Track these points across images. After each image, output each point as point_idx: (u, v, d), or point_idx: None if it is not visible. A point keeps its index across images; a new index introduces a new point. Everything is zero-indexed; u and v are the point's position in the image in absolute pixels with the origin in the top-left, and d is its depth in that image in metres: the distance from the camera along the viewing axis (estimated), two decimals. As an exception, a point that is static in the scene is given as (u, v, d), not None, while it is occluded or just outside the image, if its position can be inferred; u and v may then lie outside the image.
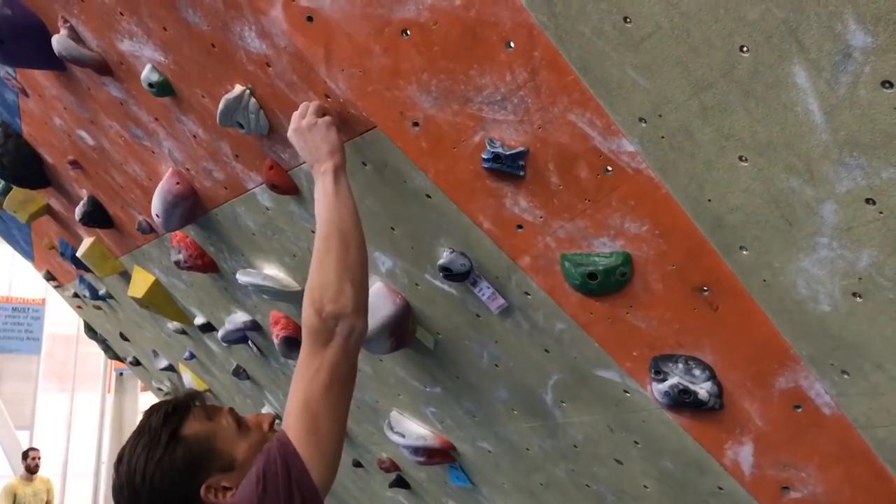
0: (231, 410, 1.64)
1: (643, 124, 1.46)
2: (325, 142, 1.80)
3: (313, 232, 2.41)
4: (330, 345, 1.61)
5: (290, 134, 1.85)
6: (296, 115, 1.85)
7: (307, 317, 1.64)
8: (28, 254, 5.49)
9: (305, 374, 1.59)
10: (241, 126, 2.13)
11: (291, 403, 1.56)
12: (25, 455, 9.60)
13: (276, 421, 1.71)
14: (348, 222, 1.73)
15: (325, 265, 1.67)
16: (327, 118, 1.81)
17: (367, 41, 1.68)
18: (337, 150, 1.80)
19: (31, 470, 9.44)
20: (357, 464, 3.80)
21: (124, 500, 1.50)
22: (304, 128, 1.82)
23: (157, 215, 2.83)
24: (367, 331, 1.72)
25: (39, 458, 9.57)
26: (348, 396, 1.64)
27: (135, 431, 1.56)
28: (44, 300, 14.91)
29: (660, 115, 1.43)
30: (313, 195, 2.23)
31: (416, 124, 1.75)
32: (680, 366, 1.77)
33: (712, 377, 1.74)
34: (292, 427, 1.52)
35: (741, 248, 1.52)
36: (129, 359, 5.99)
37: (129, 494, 1.49)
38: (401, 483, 3.53)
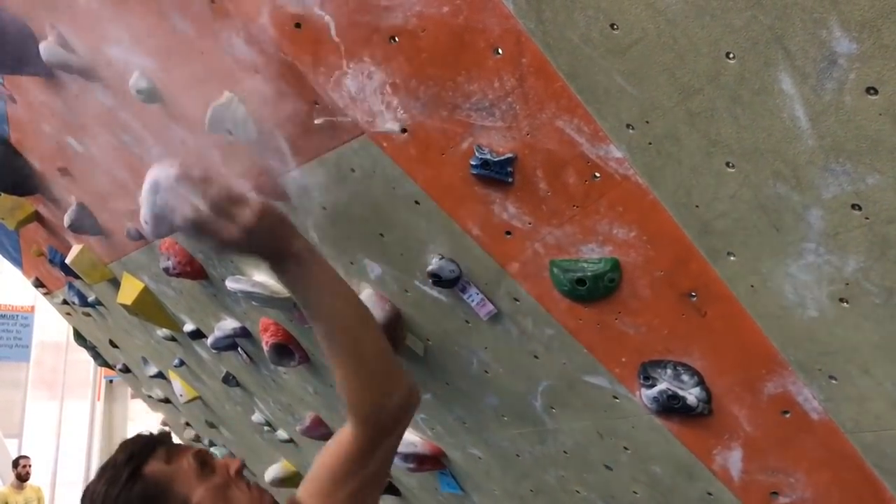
0: (198, 452, 1.60)
1: (631, 130, 1.46)
2: (271, 225, 1.48)
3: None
4: (399, 427, 1.61)
5: (232, 241, 1.46)
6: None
7: (368, 409, 1.58)
8: (17, 261, 5.46)
9: (360, 463, 1.58)
10: (230, 133, 2.13)
11: (335, 485, 1.57)
12: (16, 463, 9.59)
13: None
14: (353, 305, 1.60)
15: (358, 357, 1.57)
16: (255, 202, 1.46)
17: (355, 48, 1.68)
18: (285, 228, 1.51)
19: (22, 478, 9.43)
20: (347, 471, 3.78)
21: None
22: (243, 224, 1.44)
23: (145, 222, 2.82)
24: None
25: (30, 466, 9.57)
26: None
27: (99, 468, 1.58)
28: (33, 307, 14.84)
29: (647, 122, 1.43)
30: (302, 203, 2.24)
31: (404, 131, 1.75)
32: (668, 371, 1.77)
33: (701, 383, 1.74)
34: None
35: (728, 253, 1.52)
36: (119, 366, 5.96)
37: None
38: (391, 490, 3.52)
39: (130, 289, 3.85)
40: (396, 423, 1.60)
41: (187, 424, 5.86)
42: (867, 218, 1.30)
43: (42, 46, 2.48)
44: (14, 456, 12.86)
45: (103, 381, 14.91)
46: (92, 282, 4.22)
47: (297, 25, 1.72)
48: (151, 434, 1.63)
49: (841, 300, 1.43)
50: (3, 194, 4.04)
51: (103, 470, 1.55)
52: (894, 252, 1.31)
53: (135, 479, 1.50)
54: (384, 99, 1.73)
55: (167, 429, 4.77)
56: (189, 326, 3.83)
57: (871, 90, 1.16)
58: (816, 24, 1.15)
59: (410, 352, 2.41)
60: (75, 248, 4.04)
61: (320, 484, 1.62)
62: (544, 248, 1.76)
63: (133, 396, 13.14)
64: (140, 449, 1.55)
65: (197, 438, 5.79)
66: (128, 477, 1.50)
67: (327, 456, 1.65)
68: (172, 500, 1.52)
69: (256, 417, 4.30)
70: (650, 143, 1.46)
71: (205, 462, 1.60)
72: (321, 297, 1.56)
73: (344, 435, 1.63)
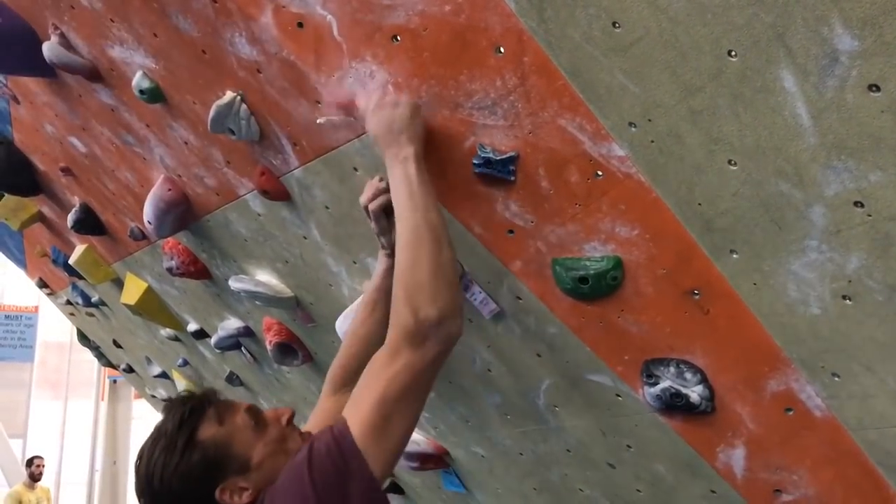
0: (250, 408, 1.64)
1: (633, 129, 1.46)
2: (409, 125, 1.64)
3: (305, 238, 2.42)
4: (422, 347, 1.54)
5: (370, 108, 1.70)
6: (374, 93, 1.72)
7: (401, 314, 1.56)
8: (20, 261, 5.48)
9: (387, 370, 1.53)
10: (233, 132, 2.13)
11: (362, 396, 1.53)
12: (30, 462, 9.72)
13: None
14: (434, 215, 1.61)
15: (418, 261, 1.57)
16: (413, 101, 1.68)
17: (357, 47, 1.69)
18: (419, 138, 1.66)
19: (35, 478, 9.58)
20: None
21: (145, 501, 1.56)
22: (387, 105, 1.66)
23: (148, 222, 2.83)
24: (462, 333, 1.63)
25: (43, 466, 9.70)
26: (423, 403, 1.60)
27: (153, 432, 1.59)
28: (37, 308, 14.85)
29: (649, 120, 1.43)
30: (305, 201, 2.25)
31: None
32: (671, 369, 1.77)
33: (704, 380, 1.74)
34: (359, 421, 1.49)
35: (731, 251, 1.52)
36: (123, 366, 5.97)
37: (149, 496, 1.54)
38: (395, 489, 3.52)
39: (134, 289, 3.86)
40: (425, 338, 1.53)
41: (165, 407, 5.85)
42: (869, 215, 1.30)
43: (45, 47, 2.49)
44: (18, 456, 12.92)
45: (107, 381, 14.90)
46: (95, 282, 4.23)
47: (300, 25, 1.72)
48: (196, 394, 1.65)
49: (844, 297, 1.43)
50: (6, 195, 4.05)
51: (156, 439, 1.56)
52: (897, 249, 1.31)
53: (192, 447, 1.53)
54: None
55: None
56: (192, 326, 3.84)
57: (874, 87, 1.16)
58: (818, 22, 1.15)
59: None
60: (79, 249, 4.05)
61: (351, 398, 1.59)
62: (547, 247, 1.76)
63: (137, 396, 13.15)
64: (190, 413, 1.57)
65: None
66: (184, 445, 1.52)
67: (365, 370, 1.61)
68: (233, 462, 1.54)
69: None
70: (652, 141, 1.46)
71: (258, 417, 1.63)
72: (426, 192, 1.62)
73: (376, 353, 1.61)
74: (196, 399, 1.62)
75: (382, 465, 1.49)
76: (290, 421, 1.68)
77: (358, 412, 1.51)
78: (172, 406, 1.61)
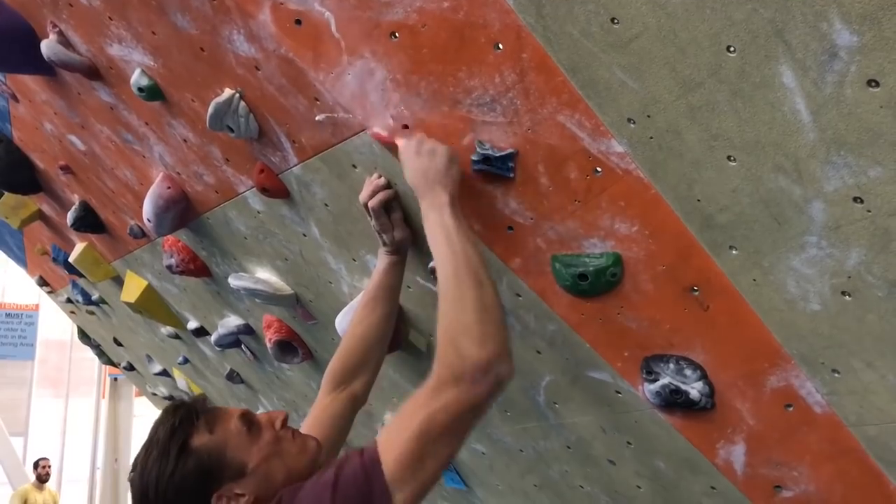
0: (243, 414, 1.62)
1: (632, 125, 1.46)
2: (445, 175, 1.66)
3: (304, 235, 2.42)
4: (469, 389, 1.47)
5: (409, 153, 1.71)
6: (413, 140, 1.73)
7: (447, 353, 1.50)
8: (21, 259, 5.48)
9: (429, 406, 1.47)
10: (231, 130, 2.13)
11: (400, 428, 1.47)
12: (37, 464, 9.80)
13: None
14: (474, 257, 1.59)
15: (463, 304, 1.53)
16: (451, 149, 1.69)
17: (355, 44, 1.68)
18: (455, 183, 1.68)
19: (42, 479, 9.66)
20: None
21: None
22: (425, 154, 1.68)
23: (148, 220, 2.83)
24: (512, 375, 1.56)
25: (50, 468, 9.77)
26: (460, 445, 1.55)
27: (145, 443, 1.57)
28: (37, 306, 14.87)
29: (648, 116, 1.43)
30: (304, 199, 2.25)
31: (405, 127, 1.75)
32: (671, 366, 1.77)
33: (703, 377, 1.74)
34: (392, 455, 1.43)
35: (731, 247, 1.52)
36: (123, 364, 5.98)
37: None
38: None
39: (134, 287, 3.87)
40: (471, 381, 1.46)
41: (158, 419, 5.87)
42: (869, 211, 1.29)
43: (44, 45, 2.48)
44: (19, 454, 12.95)
45: (108, 379, 14.92)
46: (95, 280, 4.23)
47: (298, 22, 1.72)
48: (185, 402, 1.62)
49: (843, 293, 1.43)
50: (6, 193, 4.05)
51: (148, 449, 1.54)
52: (896, 245, 1.31)
53: (185, 455, 1.51)
54: (385, 95, 1.73)
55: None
56: (193, 324, 3.84)
57: (873, 83, 1.16)
58: (817, 17, 1.15)
59: (413, 348, 2.42)
60: (79, 247, 4.05)
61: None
62: (546, 244, 1.76)
63: (138, 394, 13.18)
64: (181, 422, 1.55)
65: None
66: (177, 453, 1.50)
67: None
68: (228, 468, 1.53)
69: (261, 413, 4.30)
70: (651, 138, 1.45)
71: (251, 422, 1.62)
72: (463, 236, 1.62)
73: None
74: (186, 407, 1.59)
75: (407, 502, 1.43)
76: (283, 424, 1.66)
77: (393, 444, 1.45)
78: (163, 416, 1.59)
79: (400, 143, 1.75)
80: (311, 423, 1.91)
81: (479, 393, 1.48)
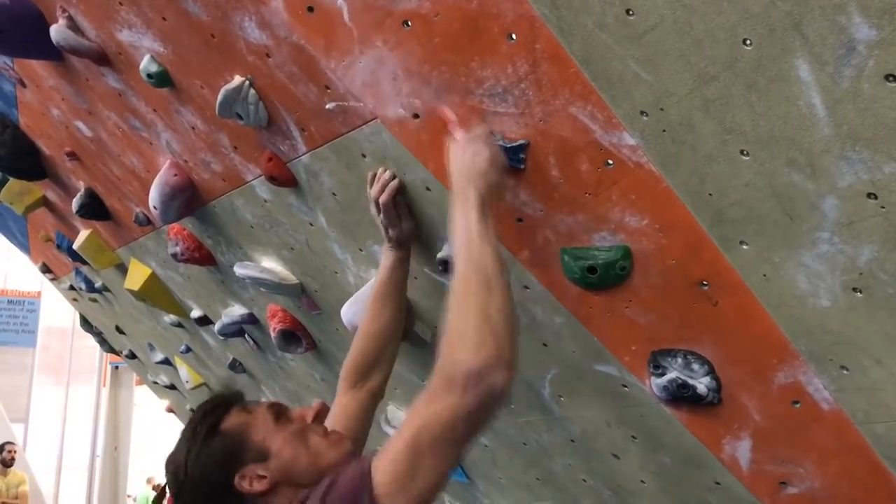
0: (273, 405, 1.69)
1: (645, 118, 1.45)
2: (481, 177, 1.60)
3: (311, 225, 2.42)
4: (461, 397, 1.39)
5: (458, 147, 1.66)
6: (467, 136, 1.66)
7: (443, 360, 1.45)
8: (24, 246, 5.48)
9: (422, 413, 1.42)
10: (240, 117, 2.12)
11: (397, 437, 1.44)
12: (1, 448, 9.68)
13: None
14: (492, 267, 1.52)
15: (466, 310, 1.48)
16: (496, 152, 1.64)
17: (368, 32, 1.68)
18: (490, 188, 1.61)
19: (6, 463, 9.63)
20: (353, 458, 3.79)
21: (172, 492, 1.62)
22: (469, 151, 1.63)
23: (154, 207, 2.83)
24: (510, 386, 1.48)
25: (15, 452, 9.75)
26: (456, 459, 1.49)
27: (182, 430, 1.67)
28: (39, 293, 14.90)
29: (661, 109, 1.42)
30: (312, 188, 2.24)
31: (416, 116, 1.75)
32: (679, 360, 1.77)
33: (711, 372, 1.74)
34: (384, 467, 1.41)
35: (741, 242, 1.51)
36: (125, 352, 5.98)
37: (175, 487, 1.60)
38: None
39: (138, 274, 3.87)
40: (462, 390, 1.39)
41: (192, 411, 5.88)
42: (883, 207, 1.29)
43: (52, 30, 2.48)
44: (20, 441, 12.96)
45: (109, 367, 14.96)
46: (99, 267, 4.23)
47: (310, 9, 1.71)
48: (224, 394, 1.71)
49: (854, 290, 1.42)
50: (11, 179, 4.05)
51: (183, 433, 1.64)
52: (910, 242, 1.30)
53: (213, 435, 1.59)
54: (396, 84, 1.72)
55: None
56: (196, 312, 3.84)
57: (891, 77, 1.15)
58: (835, 10, 1.14)
59: (418, 338, 2.41)
60: (83, 234, 4.05)
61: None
62: (556, 236, 1.75)
63: (139, 383, 13.20)
64: (213, 408, 1.64)
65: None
66: (206, 434, 1.58)
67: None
68: (251, 449, 1.59)
69: (262, 404, 4.30)
70: (664, 131, 1.45)
71: (280, 412, 1.67)
72: (484, 242, 1.55)
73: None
74: (223, 397, 1.69)
75: None
76: (317, 419, 1.70)
77: (386, 455, 1.43)
78: (201, 404, 1.69)
79: (458, 134, 1.69)
80: (332, 423, 1.92)
81: (471, 402, 1.39)
